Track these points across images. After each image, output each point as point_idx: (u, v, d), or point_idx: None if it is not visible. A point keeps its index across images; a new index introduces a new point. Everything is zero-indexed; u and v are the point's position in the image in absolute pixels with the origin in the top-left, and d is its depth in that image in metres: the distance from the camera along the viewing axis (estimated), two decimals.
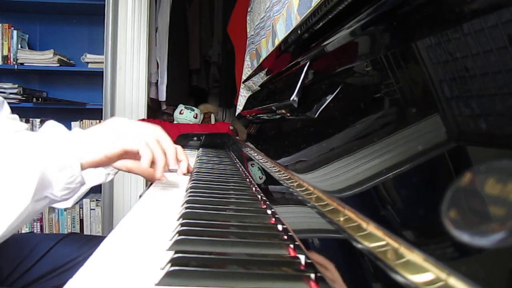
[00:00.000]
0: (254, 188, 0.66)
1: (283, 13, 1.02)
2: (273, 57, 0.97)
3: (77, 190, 0.54)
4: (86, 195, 2.46)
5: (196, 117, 2.31)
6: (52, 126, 0.59)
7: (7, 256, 0.75)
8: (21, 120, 2.55)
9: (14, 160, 0.47)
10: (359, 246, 0.28)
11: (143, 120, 2.06)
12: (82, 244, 0.81)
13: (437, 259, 0.21)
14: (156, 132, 0.65)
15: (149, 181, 0.72)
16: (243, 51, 1.75)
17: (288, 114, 0.75)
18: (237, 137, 1.36)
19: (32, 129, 2.47)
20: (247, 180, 0.74)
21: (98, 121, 2.46)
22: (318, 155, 0.50)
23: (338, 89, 0.52)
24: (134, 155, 0.61)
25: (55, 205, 0.60)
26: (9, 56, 2.41)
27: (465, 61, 0.27)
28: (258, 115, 1.12)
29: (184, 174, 0.79)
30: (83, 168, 0.54)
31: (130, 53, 2.09)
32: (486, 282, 0.18)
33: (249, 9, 1.66)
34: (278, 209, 0.49)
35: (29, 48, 2.52)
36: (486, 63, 0.24)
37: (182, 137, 1.60)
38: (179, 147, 0.78)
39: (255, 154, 0.86)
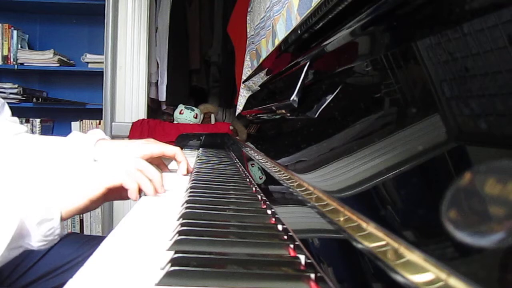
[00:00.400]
0: (254, 188, 0.66)
1: (283, 13, 1.02)
2: (273, 57, 0.97)
3: (55, 241, 0.53)
4: None
5: (196, 117, 2.31)
6: (78, 139, 0.59)
7: None
8: (21, 120, 2.53)
9: None
10: (359, 246, 0.28)
11: (142, 120, 2.06)
12: (82, 244, 0.81)
13: (437, 259, 0.21)
14: (136, 162, 0.63)
15: None
16: (243, 51, 1.75)
17: (288, 114, 0.75)
18: (237, 137, 1.36)
19: (32, 129, 2.47)
20: (247, 180, 0.74)
21: (98, 121, 2.46)
22: (318, 155, 0.50)
23: (338, 89, 0.52)
24: (118, 190, 0.59)
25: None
26: (9, 56, 2.41)
27: (465, 61, 0.27)
28: (258, 115, 1.12)
29: (184, 175, 0.79)
30: (65, 218, 0.53)
31: (130, 53, 2.09)
32: (486, 282, 0.18)
33: (249, 9, 1.66)
34: (278, 209, 0.49)
35: (29, 48, 2.53)
36: (486, 63, 0.24)
37: (182, 137, 1.60)
38: (177, 149, 0.78)
39: (255, 154, 0.86)
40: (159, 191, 0.62)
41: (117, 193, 0.61)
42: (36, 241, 0.50)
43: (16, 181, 0.53)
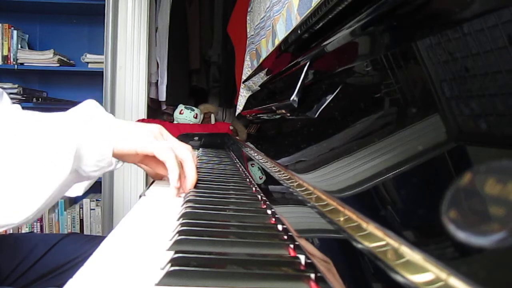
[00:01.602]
0: (254, 188, 0.66)
1: (283, 13, 1.02)
2: (273, 57, 0.97)
3: (105, 169, 0.56)
4: (86, 195, 2.46)
5: (196, 117, 2.31)
6: (93, 106, 0.60)
7: (7, 256, 0.75)
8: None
9: (53, 134, 0.49)
10: (359, 246, 0.28)
11: (142, 120, 2.06)
12: (82, 244, 0.81)
13: (437, 259, 0.21)
14: (184, 151, 0.63)
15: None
16: (243, 51, 1.75)
17: (288, 114, 0.75)
18: (237, 137, 1.36)
19: None
20: (247, 180, 0.74)
21: None
22: (318, 155, 0.50)
23: (338, 89, 0.52)
24: (157, 162, 0.61)
25: (67, 194, 0.60)
26: (9, 56, 2.41)
27: (465, 61, 0.27)
28: (258, 115, 1.12)
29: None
30: (114, 154, 0.55)
31: (130, 53, 2.09)
32: (486, 282, 0.18)
33: (249, 9, 1.66)
34: (278, 209, 0.49)
35: (29, 48, 2.53)
36: (486, 63, 0.24)
37: (182, 137, 1.60)
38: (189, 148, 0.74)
39: (255, 154, 0.86)
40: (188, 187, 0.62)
41: (155, 162, 0.61)
42: (89, 165, 0.53)
43: (73, 115, 0.55)
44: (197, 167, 0.85)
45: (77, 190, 0.65)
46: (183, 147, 0.64)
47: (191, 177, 0.62)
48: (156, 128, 0.63)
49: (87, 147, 0.51)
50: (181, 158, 0.62)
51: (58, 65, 2.39)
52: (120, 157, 0.58)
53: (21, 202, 0.46)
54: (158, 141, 0.60)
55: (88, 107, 0.59)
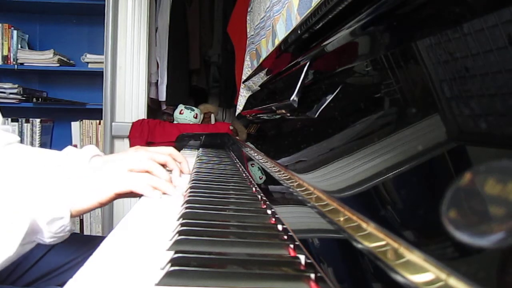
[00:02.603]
0: (254, 188, 0.66)
1: (283, 13, 1.02)
2: (273, 57, 0.97)
3: (66, 236, 0.55)
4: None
5: (196, 117, 2.31)
6: (68, 154, 0.60)
7: None
8: (21, 120, 2.52)
9: (5, 207, 0.48)
10: (359, 246, 0.28)
11: (142, 120, 2.06)
12: (82, 245, 0.81)
13: (437, 259, 0.21)
14: (146, 164, 0.63)
15: None
16: (243, 51, 1.75)
17: (288, 114, 0.75)
18: (237, 137, 1.36)
19: (32, 129, 2.47)
20: (247, 180, 0.74)
21: (98, 121, 2.46)
22: (318, 155, 0.50)
23: (338, 89, 0.52)
24: (128, 193, 0.61)
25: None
26: (9, 56, 2.41)
27: (465, 61, 0.27)
28: (258, 115, 1.12)
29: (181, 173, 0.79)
30: (74, 216, 0.55)
31: (130, 53, 2.09)
32: (486, 282, 0.18)
33: (249, 9, 1.66)
34: (278, 209, 0.49)
35: (29, 48, 2.53)
36: (486, 63, 0.24)
37: (182, 137, 1.60)
38: (169, 155, 0.75)
39: (255, 154, 0.86)
40: (170, 188, 0.63)
41: (127, 194, 0.62)
42: (47, 237, 0.52)
43: (22, 183, 0.54)
44: (197, 167, 0.85)
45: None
46: (154, 158, 0.64)
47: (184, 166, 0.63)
48: (127, 158, 0.63)
49: (44, 221, 0.51)
50: (157, 174, 0.63)
51: (58, 65, 2.39)
52: (85, 213, 0.58)
53: None
54: (118, 177, 0.59)
55: (67, 156, 0.59)
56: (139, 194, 0.61)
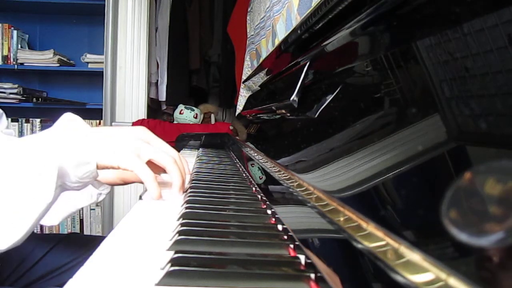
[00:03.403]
0: (254, 188, 0.66)
1: (283, 13, 1.02)
2: (273, 57, 0.97)
3: (89, 183, 0.56)
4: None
5: (196, 117, 2.31)
6: (70, 119, 0.60)
7: (7, 256, 0.75)
8: (21, 120, 2.52)
9: (34, 156, 0.49)
10: (359, 246, 0.28)
11: (142, 120, 2.06)
12: (82, 245, 0.81)
13: (437, 259, 0.21)
14: (171, 151, 0.63)
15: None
16: (243, 51, 1.75)
17: (288, 114, 0.75)
18: (237, 137, 1.36)
19: (32, 129, 2.47)
20: (247, 180, 0.74)
21: (98, 121, 2.46)
22: (318, 155, 0.50)
23: (338, 89, 0.52)
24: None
25: (41, 222, 0.60)
26: (9, 56, 2.41)
27: (465, 61, 0.27)
28: (258, 115, 1.12)
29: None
30: (97, 167, 0.55)
31: (130, 53, 2.09)
32: (486, 282, 0.18)
33: (249, 9, 1.66)
34: (278, 209, 0.49)
35: (29, 48, 2.53)
36: (486, 63, 0.24)
37: (182, 137, 1.60)
38: (171, 159, 0.74)
39: (255, 154, 0.86)
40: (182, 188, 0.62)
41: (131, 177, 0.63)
42: (73, 182, 0.52)
43: (52, 133, 0.55)
44: (197, 167, 0.85)
45: (52, 219, 0.64)
46: (165, 154, 0.63)
47: (179, 180, 0.62)
48: (140, 133, 0.62)
49: (70, 165, 0.51)
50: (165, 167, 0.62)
51: (58, 65, 2.39)
52: (105, 168, 0.58)
53: (9, 226, 0.46)
54: (140, 157, 0.59)
55: (67, 121, 0.59)
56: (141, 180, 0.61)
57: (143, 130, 0.63)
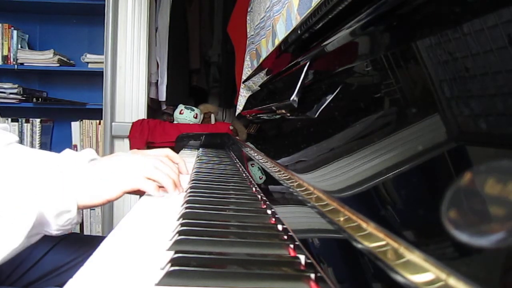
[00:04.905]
0: (254, 188, 0.66)
1: (283, 13, 1.02)
2: (273, 57, 0.97)
3: (73, 229, 0.57)
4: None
5: (196, 117, 2.31)
6: (66, 156, 0.60)
7: None
8: (21, 120, 2.52)
9: (12, 200, 0.49)
10: (359, 246, 0.28)
11: (142, 120, 2.06)
12: (82, 245, 0.81)
13: (437, 259, 0.21)
14: (154, 163, 0.64)
15: None
16: (243, 51, 1.75)
17: (288, 114, 0.75)
18: (237, 137, 1.36)
19: (32, 129, 2.47)
20: (247, 180, 0.74)
21: (98, 121, 2.46)
22: (318, 155, 0.50)
23: (338, 89, 0.52)
24: (136, 190, 0.62)
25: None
26: (9, 56, 2.41)
27: (465, 61, 0.27)
28: (258, 115, 1.12)
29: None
30: (81, 208, 0.56)
31: (130, 53, 2.08)
32: (486, 282, 0.18)
33: (249, 9, 1.66)
34: (278, 209, 0.49)
35: (29, 48, 2.52)
36: (486, 63, 0.24)
37: (182, 137, 1.60)
38: (168, 151, 0.76)
39: (255, 154, 0.86)
40: (179, 188, 0.64)
41: (134, 192, 0.63)
42: (54, 230, 0.53)
43: (28, 179, 0.55)
44: (197, 167, 0.85)
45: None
46: (162, 165, 0.65)
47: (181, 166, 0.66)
48: (125, 159, 0.64)
49: (51, 214, 0.51)
50: (166, 172, 0.63)
51: (58, 65, 2.39)
52: (91, 207, 0.59)
53: None
54: (126, 175, 0.60)
55: (66, 158, 0.60)
56: (145, 192, 0.62)
57: (126, 157, 0.64)
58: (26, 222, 0.48)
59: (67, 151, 0.70)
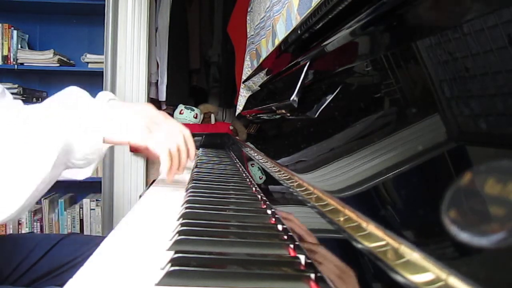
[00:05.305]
0: (254, 188, 0.66)
1: (283, 13, 1.02)
2: (273, 57, 0.97)
3: (95, 161, 0.56)
4: (86, 195, 2.46)
5: (196, 117, 2.31)
6: (78, 96, 0.60)
7: (7, 256, 0.75)
8: None
9: (41, 128, 0.49)
10: (359, 246, 0.28)
11: None
12: (82, 244, 0.81)
13: (437, 259, 0.21)
14: (179, 139, 0.65)
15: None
16: (243, 51, 1.75)
17: (288, 114, 0.75)
18: (237, 137, 1.36)
19: None
20: (247, 180, 0.74)
21: None
22: (318, 155, 0.50)
23: (338, 89, 0.52)
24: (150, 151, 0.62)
25: (76, 177, 0.61)
26: (9, 56, 2.41)
27: (465, 61, 0.27)
28: (258, 115, 1.12)
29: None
30: (105, 142, 0.56)
31: (130, 53, 2.08)
32: (486, 282, 0.18)
33: (249, 9, 1.66)
34: (278, 209, 0.49)
35: (29, 48, 2.52)
36: (486, 63, 0.24)
37: None
38: (187, 131, 0.74)
39: (255, 154, 0.86)
40: (180, 172, 0.65)
41: (143, 150, 0.64)
42: (79, 159, 0.53)
43: (63, 108, 0.55)
44: (197, 167, 0.85)
45: (86, 171, 0.64)
46: (176, 134, 0.65)
47: (191, 152, 0.66)
48: (151, 112, 0.64)
49: (77, 141, 0.52)
50: (181, 156, 0.64)
51: (58, 65, 2.39)
52: (114, 144, 0.58)
53: (7, 197, 0.46)
54: (152, 133, 0.60)
55: (76, 95, 0.59)
56: (155, 156, 0.62)
57: (151, 109, 0.64)
58: (53, 148, 0.48)
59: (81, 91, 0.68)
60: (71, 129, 0.51)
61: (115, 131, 0.56)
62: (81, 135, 0.52)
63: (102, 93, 0.72)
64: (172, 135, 0.64)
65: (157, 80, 2.42)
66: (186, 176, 0.78)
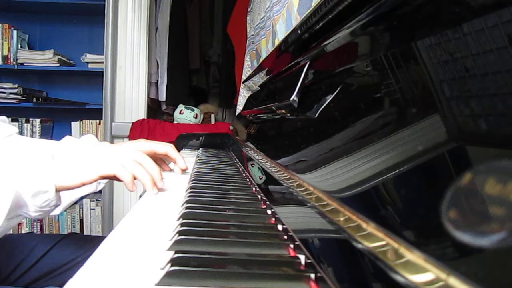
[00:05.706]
0: (254, 188, 0.66)
1: (283, 13, 1.02)
2: (273, 57, 0.97)
3: (51, 211, 0.56)
4: (86, 195, 2.46)
5: (196, 117, 2.31)
6: (64, 142, 0.60)
7: (7, 256, 0.75)
8: (21, 120, 2.52)
9: None
10: (359, 246, 0.28)
11: (142, 120, 2.06)
12: (82, 244, 0.81)
13: (437, 259, 0.21)
14: (135, 155, 0.63)
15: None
16: (243, 51, 1.75)
17: (288, 114, 0.75)
18: (237, 137, 1.36)
19: (32, 129, 2.47)
20: (247, 180, 0.74)
21: (98, 121, 2.46)
22: (318, 155, 0.50)
23: (338, 89, 0.52)
24: (113, 176, 0.61)
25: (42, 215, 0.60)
26: (9, 56, 2.41)
27: (465, 61, 0.27)
28: (258, 115, 1.12)
29: (183, 170, 0.79)
30: (58, 190, 0.56)
31: (130, 53, 2.08)
32: (486, 282, 0.18)
33: (249, 9, 1.66)
34: (278, 209, 0.49)
35: (29, 48, 2.53)
36: (486, 63, 0.24)
37: (182, 137, 1.60)
38: (169, 146, 0.76)
39: (255, 154, 0.86)
40: (158, 184, 0.62)
41: (112, 179, 0.63)
42: (32, 211, 0.52)
43: (8, 162, 0.55)
44: (197, 167, 0.85)
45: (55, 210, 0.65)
46: (129, 153, 0.63)
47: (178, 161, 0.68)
48: (104, 148, 0.64)
49: (28, 195, 0.51)
50: (145, 167, 0.62)
51: (58, 65, 2.39)
52: (67, 190, 0.58)
53: None
54: (103, 162, 0.59)
55: (65, 145, 0.59)
56: (121, 179, 0.61)
57: (107, 146, 0.65)
58: (4, 203, 0.48)
59: (67, 138, 0.71)
60: (21, 183, 0.51)
61: (65, 176, 0.56)
62: (31, 188, 0.51)
63: (86, 137, 0.72)
64: (124, 156, 0.62)
65: (157, 80, 2.42)
66: (186, 176, 0.78)
